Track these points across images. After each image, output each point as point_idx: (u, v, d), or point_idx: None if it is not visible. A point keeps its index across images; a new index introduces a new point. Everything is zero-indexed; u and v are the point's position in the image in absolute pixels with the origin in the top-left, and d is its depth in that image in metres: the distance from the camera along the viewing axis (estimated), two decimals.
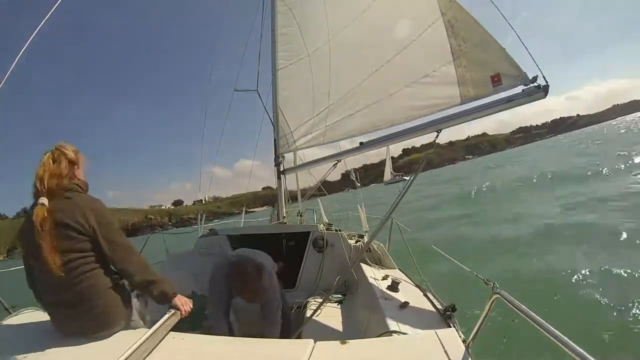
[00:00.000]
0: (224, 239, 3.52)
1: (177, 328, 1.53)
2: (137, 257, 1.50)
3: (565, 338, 0.98)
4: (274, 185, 4.67)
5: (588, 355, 0.91)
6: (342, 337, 1.45)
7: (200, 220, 5.17)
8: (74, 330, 1.42)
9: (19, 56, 2.22)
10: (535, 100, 1.94)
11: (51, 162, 1.45)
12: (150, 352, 1.32)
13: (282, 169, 4.55)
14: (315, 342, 1.37)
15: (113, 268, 1.50)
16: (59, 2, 2.48)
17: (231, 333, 2.23)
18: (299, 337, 2.14)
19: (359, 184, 6.08)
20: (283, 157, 4.53)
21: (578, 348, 0.94)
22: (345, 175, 5.54)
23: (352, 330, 2.25)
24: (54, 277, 1.31)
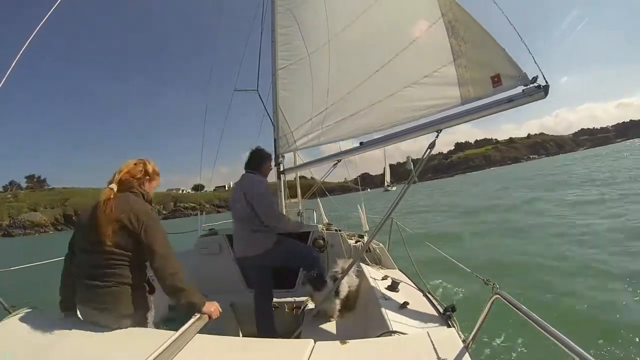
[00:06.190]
0: (224, 239, 3.53)
1: (177, 328, 1.52)
2: (172, 262, 1.59)
3: (566, 338, 0.98)
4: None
5: (588, 355, 0.91)
6: (342, 337, 1.44)
7: (200, 218, 5.18)
8: (89, 311, 1.55)
9: (18, 56, 2.22)
10: (535, 100, 1.93)
11: (133, 164, 1.78)
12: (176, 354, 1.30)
13: (282, 169, 4.55)
14: (315, 342, 1.37)
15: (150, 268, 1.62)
16: (59, 2, 2.47)
17: None
18: (298, 337, 2.14)
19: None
20: (283, 157, 4.53)
21: (578, 348, 0.94)
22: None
23: (352, 330, 2.25)
24: (94, 256, 1.54)
